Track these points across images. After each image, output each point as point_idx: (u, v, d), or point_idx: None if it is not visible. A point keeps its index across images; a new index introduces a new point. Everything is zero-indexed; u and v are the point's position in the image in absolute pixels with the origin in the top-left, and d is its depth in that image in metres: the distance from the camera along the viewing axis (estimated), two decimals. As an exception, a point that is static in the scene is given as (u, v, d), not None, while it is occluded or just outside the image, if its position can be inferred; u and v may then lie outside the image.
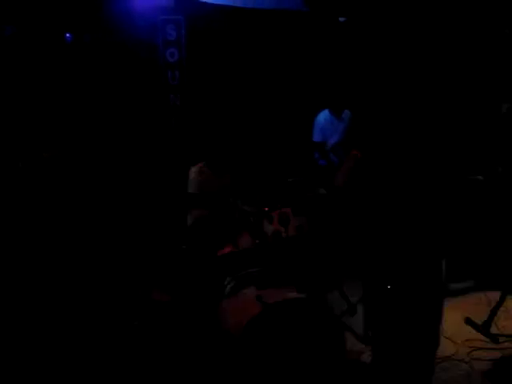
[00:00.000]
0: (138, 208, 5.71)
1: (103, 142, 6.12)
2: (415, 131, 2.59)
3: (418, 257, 2.68)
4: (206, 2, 6.51)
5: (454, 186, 2.78)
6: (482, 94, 4.96)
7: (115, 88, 6.26)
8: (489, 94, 5.09)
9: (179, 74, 6.73)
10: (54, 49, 5.98)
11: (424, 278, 2.71)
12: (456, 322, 4.64)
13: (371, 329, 2.84)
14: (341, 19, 6.77)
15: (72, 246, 5.13)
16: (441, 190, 2.70)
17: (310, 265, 4.57)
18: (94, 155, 5.96)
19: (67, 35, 6.06)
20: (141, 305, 4.34)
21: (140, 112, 6.40)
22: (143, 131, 6.37)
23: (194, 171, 4.69)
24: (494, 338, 4.41)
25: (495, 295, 4.98)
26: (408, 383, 2.74)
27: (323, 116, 6.47)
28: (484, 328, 4.52)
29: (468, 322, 4.68)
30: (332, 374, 3.68)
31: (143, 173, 6.14)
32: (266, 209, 4.20)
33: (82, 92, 6.12)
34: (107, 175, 5.94)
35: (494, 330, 4.51)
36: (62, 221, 5.31)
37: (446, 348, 4.17)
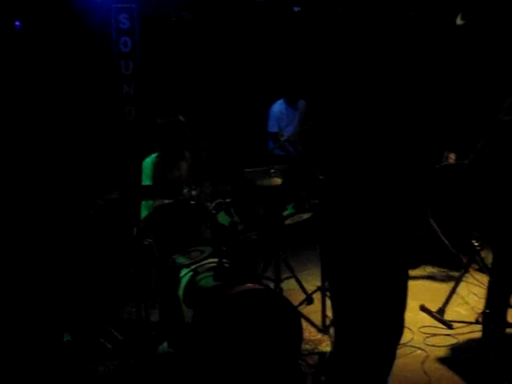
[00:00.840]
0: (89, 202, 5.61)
1: (55, 133, 5.99)
2: (370, 120, 2.60)
3: (382, 243, 2.68)
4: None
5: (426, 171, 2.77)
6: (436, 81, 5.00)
7: (67, 77, 6.13)
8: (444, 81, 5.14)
9: (133, 64, 6.63)
10: (3, 37, 5.80)
11: (389, 263, 2.71)
12: (411, 309, 4.70)
13: (332, 318, 2.84)
14: (295, 9, 6.77)
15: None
16: (407, 175, 2.69)
17: (268, 255, 4.58)
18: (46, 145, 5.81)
19: (16, 23, 5.89)
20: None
21: (92, 102, 6.28)
22: (96, 122, 6.25)
23: (148, 162, 4.63)
24: (448, 325, 4.48)
25: (450, 282, 5.08)
26: (369, 373, 2.74)
27: (278, 106, 6.47)
28: (438, 315, 4.60)
29: (422, 309, 4.76)
30: (290, 363, 3.71)
31: (96, 164, 6.04)
32: (223, 200, 4.18)
33: (32, 81, 5.96)
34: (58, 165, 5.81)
35: (448, 316, 4.58)
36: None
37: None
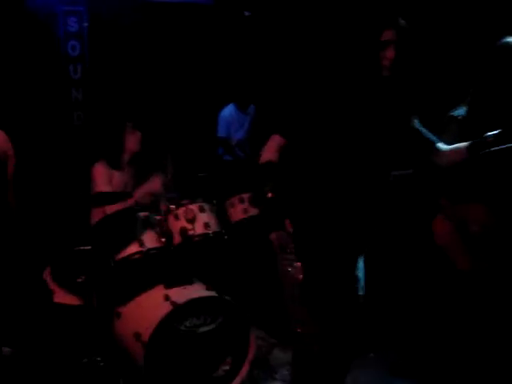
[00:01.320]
0: (36, 208, 5.48)
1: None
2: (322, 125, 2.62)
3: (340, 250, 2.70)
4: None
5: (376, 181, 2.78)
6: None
7: (13, 81, 5.99)
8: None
9: (81, 68, 6.51)
10: None
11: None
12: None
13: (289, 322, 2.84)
14: (246, 13, 6.75)
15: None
16: (359, 185, 2.70)
17: (218, 261, 4.54)
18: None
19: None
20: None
21: (40, 107, 6.15)
22: (43, 127, 6.12)
23: (95, 169, 4.54)
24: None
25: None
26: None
27: (228, 111, 6.43)
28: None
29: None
30: (241, 368, 3.69)
31: (43, 171, 5.91)
32: (172, 206, 4.12)
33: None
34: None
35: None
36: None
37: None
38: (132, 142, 4.53)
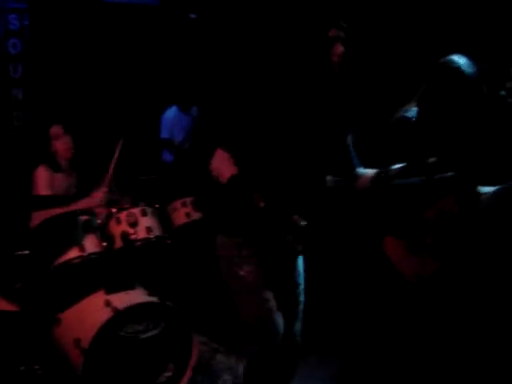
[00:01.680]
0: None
1: None
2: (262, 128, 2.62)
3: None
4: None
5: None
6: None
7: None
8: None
9: (22, 67, 6.37)
10: None
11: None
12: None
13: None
14: (191, 15, 6.73)
15: None
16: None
17: (160, 266, 4.50)
18: None
19: None
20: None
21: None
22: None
23: (37, 171, 4.43)
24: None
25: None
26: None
27: (171, 112, 6.39)
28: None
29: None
30: (184, 374, 3.66)
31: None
32: (114, 209, 4.07)
33: None
34: None
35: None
36: None
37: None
38: (60, 145, 4.40)
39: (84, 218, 3.96)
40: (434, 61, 3.24)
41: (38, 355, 3.73)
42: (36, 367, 3.65)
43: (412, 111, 3.19)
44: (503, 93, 3.23)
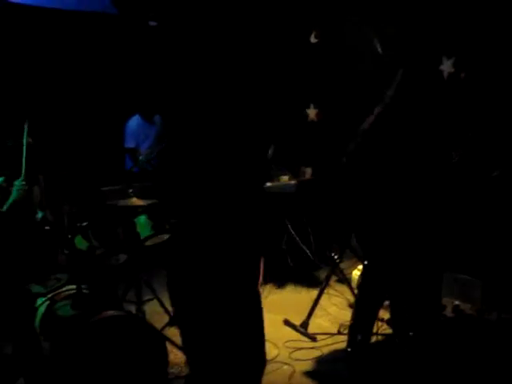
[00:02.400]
0: None
1: None
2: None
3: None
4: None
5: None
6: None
7: None
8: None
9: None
10: None
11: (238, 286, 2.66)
12: (275, 323, 4.70)
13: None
14: (151, 23, 6.64)
15: None
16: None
17: (129, 278, 4.43)
18: None
19: None
20: None
21: None
22: None
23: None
24: (312, 337, 4.53)
25: (312, 294, 5.13)
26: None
27: (134, 121, 6.32)
28: (302, 328, 4.64)
29: (286, 323, 4.78)
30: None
31: None
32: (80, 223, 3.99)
33: None
34: None
35: (312, 329, 4.63)
36: None
37: (267, 351, 4.20)
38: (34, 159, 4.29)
39: (49, 233, 3.87)
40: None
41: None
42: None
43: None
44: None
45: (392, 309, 3.96)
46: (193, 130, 2.72)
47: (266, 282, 4.61)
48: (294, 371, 4.07)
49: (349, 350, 3.87)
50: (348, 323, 4.73)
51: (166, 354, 3.62)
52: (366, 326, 3.83)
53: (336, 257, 4.81)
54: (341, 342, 4.40)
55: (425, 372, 3.67)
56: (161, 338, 3.67)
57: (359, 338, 3.77)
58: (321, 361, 4.25)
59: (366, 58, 4.89)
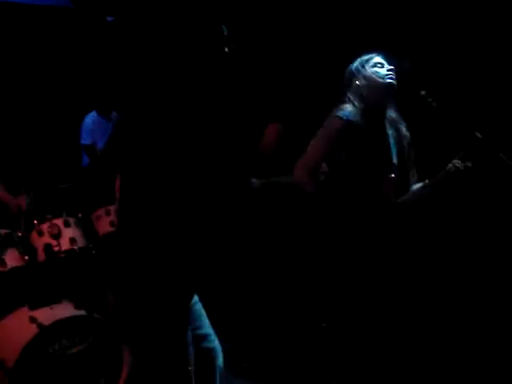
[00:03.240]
0: None
1: None
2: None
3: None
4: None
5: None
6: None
7: None
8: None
9: None
10: None
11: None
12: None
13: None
14: (109, 18, 6.58)
15: None
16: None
17: (86, 277, 4.37)
18: None
19: None
20: None
21: None
22: None
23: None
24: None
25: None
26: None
27: (91, 117, 6.24)
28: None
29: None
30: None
31: None
32: (35, 221, 3.92)
33: None
34: None
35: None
36: None
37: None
38: None
39: (3, 231, 3.79)
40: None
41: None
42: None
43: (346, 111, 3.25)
44: (423, 93, 3.29)
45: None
46: (148, 127, 2.69)
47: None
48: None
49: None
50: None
51: (124, 353, 3.60)
52: None
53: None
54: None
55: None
56: (120, 338, 3.64)
57: None
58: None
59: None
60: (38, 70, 6.48)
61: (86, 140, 6.16)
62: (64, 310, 3.60)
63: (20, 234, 3.83)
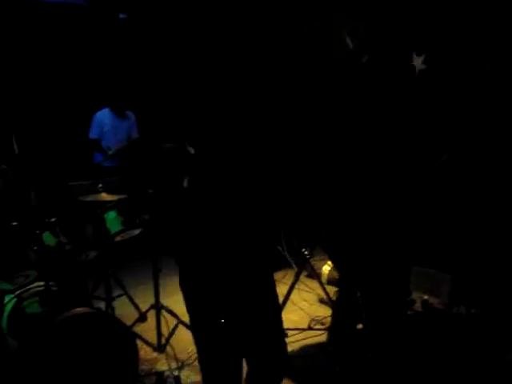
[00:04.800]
0: None
1: None
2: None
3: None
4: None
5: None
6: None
7: None
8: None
9: None
10: None
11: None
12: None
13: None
14: (121, 16, 6.60)
15: None
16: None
17: (98, 274, 4.39)
18: None
19: None
20: None
21: None
22: None
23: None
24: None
25: (283, 289, 5.13)
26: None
27: (102, 113, 6.23)
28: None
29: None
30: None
31: None
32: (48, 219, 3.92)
33: None
34: None
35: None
36: None
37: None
38: None
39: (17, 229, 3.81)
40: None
41: None
42: None
43: None
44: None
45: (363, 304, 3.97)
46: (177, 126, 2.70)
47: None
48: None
49: (330, 348, 3.90)
50: (318, 318, 4.80)
51: (136, 350, 3.58)
52: (348, 326, 3.85)
53: (306, 252, 4.80)
54: (312, 337, 4.42)
55: (395, 367, 3.69)
56: (131, 335, 3.63)
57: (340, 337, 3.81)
58: (291, 356, 4.24)
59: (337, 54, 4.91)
60: (52, 67, 6.49)
61: (94, 134, 6.17)
62: (76, 307, 3.57)
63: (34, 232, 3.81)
